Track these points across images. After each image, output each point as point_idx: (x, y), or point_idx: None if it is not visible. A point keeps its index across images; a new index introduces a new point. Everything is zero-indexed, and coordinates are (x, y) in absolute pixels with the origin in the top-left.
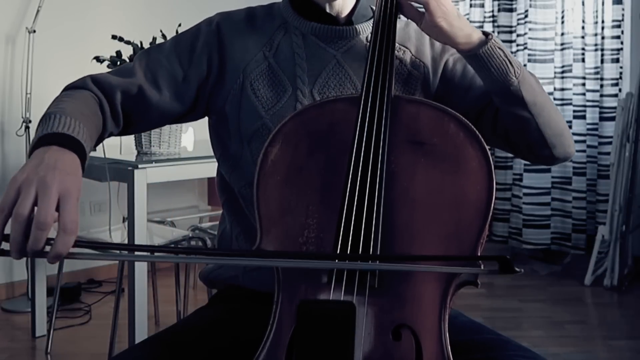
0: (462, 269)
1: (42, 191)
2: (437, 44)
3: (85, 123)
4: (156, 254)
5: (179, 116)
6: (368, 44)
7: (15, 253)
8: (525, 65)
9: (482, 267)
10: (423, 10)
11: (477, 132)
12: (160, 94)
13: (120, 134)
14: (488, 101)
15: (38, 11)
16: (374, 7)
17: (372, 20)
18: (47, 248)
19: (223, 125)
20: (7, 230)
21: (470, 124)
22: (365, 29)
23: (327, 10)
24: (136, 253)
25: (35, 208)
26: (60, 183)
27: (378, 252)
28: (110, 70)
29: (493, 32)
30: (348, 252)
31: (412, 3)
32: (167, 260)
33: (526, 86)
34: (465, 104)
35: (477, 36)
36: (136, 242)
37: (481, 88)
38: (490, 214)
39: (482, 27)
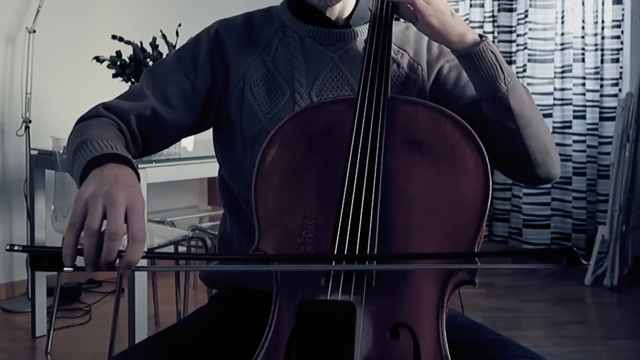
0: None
1: (109, 204)
2: (434, 49)
3: (120, 143)
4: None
5: (193, 127)
6: (365, 45)
7: (89, 266)
8: (525, 65)
9: (479, 264)
10: None
11: (473, 132)
12: (173, 110)
13: (140, 155)
14: (478, 110)
15: (38, 11)
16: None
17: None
18: (118, 261)
19: (230, 131)
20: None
21: (466, 124)
22: (363, 32)
23: (327, 15)
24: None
25: (105, 221)
26: (126, 195)
27: (375, 252)
28: (119, 95)
29: (493, 32)
30: (345, 252)
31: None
32: (241, 269)
33: (515, 96)
34: (454, 111)
35: (471, 36)
36: None
37: (472, 97)
38: (487, 213)
39: (482, 27)
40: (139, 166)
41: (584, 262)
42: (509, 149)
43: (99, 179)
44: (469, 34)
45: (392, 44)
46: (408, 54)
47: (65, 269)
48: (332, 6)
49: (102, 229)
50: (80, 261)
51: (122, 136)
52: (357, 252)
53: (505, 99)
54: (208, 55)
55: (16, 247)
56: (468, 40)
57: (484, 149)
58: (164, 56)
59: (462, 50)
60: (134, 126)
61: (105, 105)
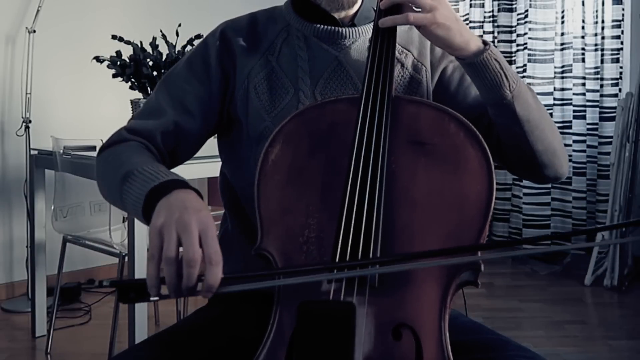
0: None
1: (183, 231)
2: (437, 50)
3: (163, 167)
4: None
5: (213, 131)
6: (369, 44)
7: (173, 293)
8: (525, 65)
9: (482, 267)
10: None
11: (477, 132)
12: (194, 119)
13: (169, 167)
14: (482, 111)
15: (38, 11)
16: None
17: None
18: (199, 285)
19: (236, 130)
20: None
21: (470, 124)
22: (368, 31)
23: (333, 14)
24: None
25: (181, 248)
26: (197, 220)
27: (378, 253)
28: (135, 114)
29: (493, 32)
30: (348, 251)
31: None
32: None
33: (520, 101)
34: (459, 112)
35: (474, 44)
36: (135, 242)
37: (476, 97)
38: (491, 213)
39: (482, 27)
40: None
41: None
42: (516, 150)
43: (168, 207)
44: (473, 41)
45: (397, 44)
46: (412, 54)
47: (151, 298)
48: (342, 10)
49: (180, 256)
50: (164, 289)
51: (153, 157)
52: (360, 253)
53: (511, 106)
54: (218, 58)
55: (104, 283)
56: (472, 48)
57: (487, 150)
58: (164, 56)
59: (466, 58)
60: (160, 144)
61: (128, 129)
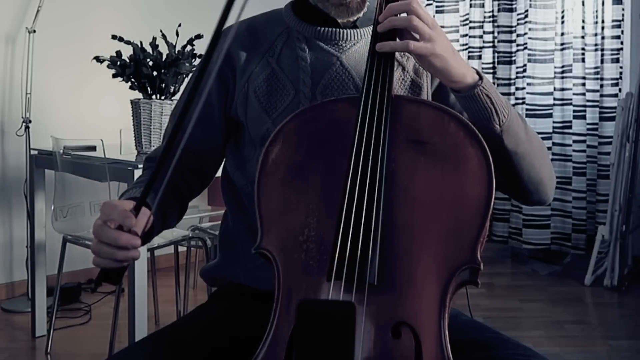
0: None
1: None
2: None
3: (141, 184)
4: None
5: (225, 139)
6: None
7: None
8: (525, 65)
9: (481, 266)
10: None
11: (477, 131)
12: (198, 130)
13: (203, 184)
14: None
15: (38, 11)
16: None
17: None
18: None
19: (240, 132)
20: None
21: (470, 124)
22: (370, 32)
23: (339, 20)
24: None
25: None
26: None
27: (377, 251)
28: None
29: (493, 32)
30: (347, 250)
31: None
32: None
33: (510, 135)
34: None
35: (470, 78)
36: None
37: None
38: (490, 213)
39: (482, 27)
40: (139, 166)
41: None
42: (502, 173)
43: None
44: (469, 74)
45: None
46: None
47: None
48: (348, 17)
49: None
50: None
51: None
52: (359, 252)
53: (499, 139)
54: (218, 70)
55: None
56: (468, 81)
57: (487, 149)
58: (164, 56)
59: (461, 92)
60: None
61: (146, 157)
